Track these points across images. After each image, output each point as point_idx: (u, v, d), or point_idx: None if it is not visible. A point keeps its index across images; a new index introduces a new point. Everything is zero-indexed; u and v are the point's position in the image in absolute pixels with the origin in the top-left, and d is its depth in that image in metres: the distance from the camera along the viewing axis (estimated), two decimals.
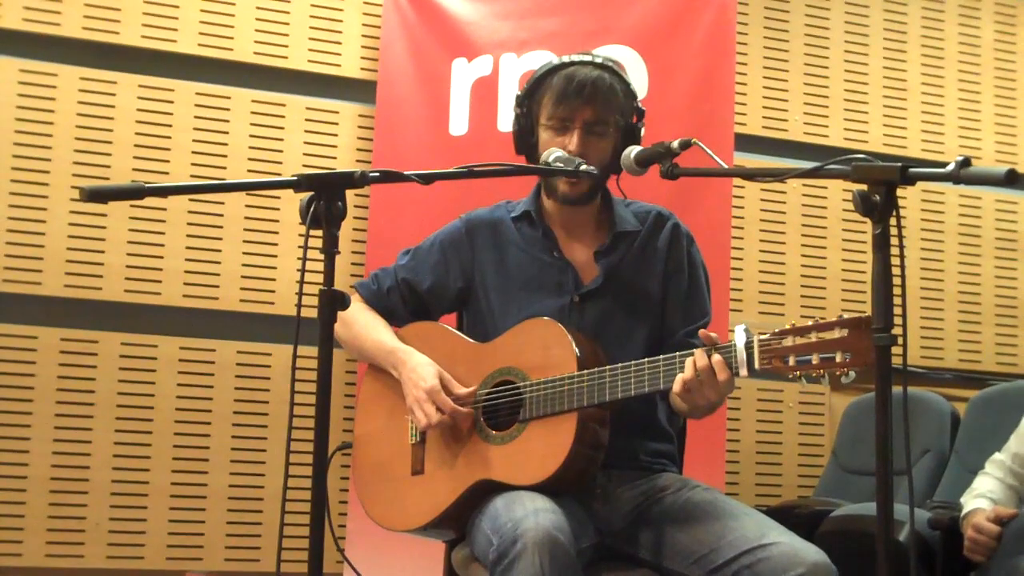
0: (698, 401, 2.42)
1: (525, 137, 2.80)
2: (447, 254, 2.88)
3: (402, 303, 2.90)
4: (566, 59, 2.78)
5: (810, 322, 2.26)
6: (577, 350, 2.57)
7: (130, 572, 4.39)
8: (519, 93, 2.83)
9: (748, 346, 2.33)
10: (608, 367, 2.51)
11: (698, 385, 2.39)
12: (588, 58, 2.78)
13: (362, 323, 2.85)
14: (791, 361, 2.26)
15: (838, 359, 2.21)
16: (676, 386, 2.40)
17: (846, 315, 2.21)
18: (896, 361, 1.94)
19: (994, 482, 3.52)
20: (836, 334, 2.21)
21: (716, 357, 2.36)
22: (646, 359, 2.47)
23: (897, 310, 1.93)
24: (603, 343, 2.65)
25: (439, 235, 2.93)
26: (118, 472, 4.39)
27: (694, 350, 2.40)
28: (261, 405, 4.56)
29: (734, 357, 2.34)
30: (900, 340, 1.93)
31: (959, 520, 3.44)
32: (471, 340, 2.78)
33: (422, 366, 2.70)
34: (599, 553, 2.61)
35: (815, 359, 2.23)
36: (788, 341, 2.27)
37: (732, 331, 2.37)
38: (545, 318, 2.65)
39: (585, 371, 2.53)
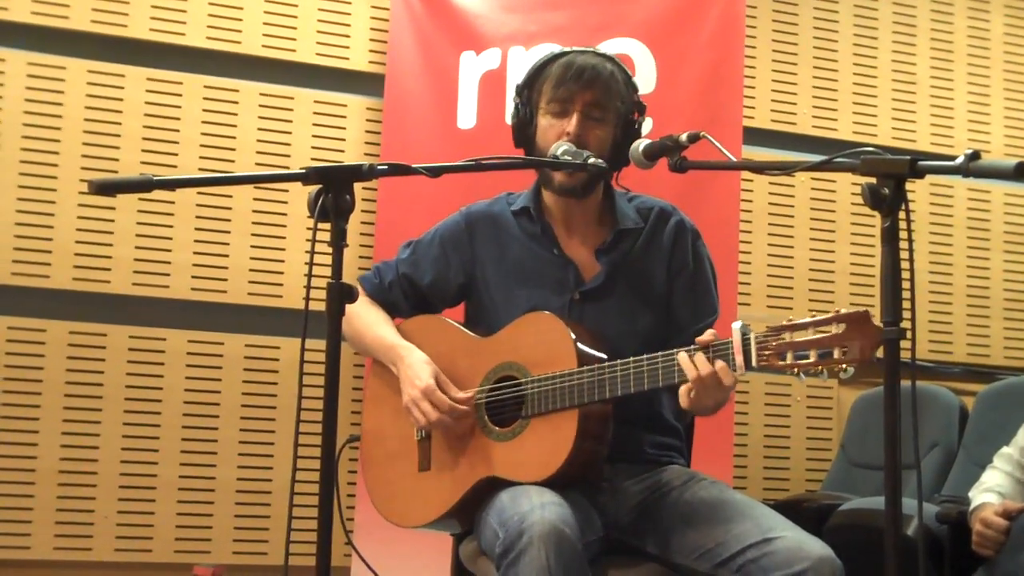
0: (706, 403, 2.41)
1: (523, 127, 2.80)
2: (447, 249, 2.87)
3: (404, 297, 2.90)
4: (566, 49, 2.80)
5: (807, 318, 2.25)
6: (577, 345, 2.56)
7: (138, 565, 4.40)
8: (518, 83, 2.83)
9: (745, 344, 2.31)
10: (608, 364, 2.50)
11: (702, 391, 2.38)
12: (589, 49, 2.79)
13: (363, 318, 2.84)
14: (788, 358, 2.24)
15: (835, 355, 2.18)
16: (683, 398, 2.41)
17: (843, 310, 2.20)
18: (904, 355, 1.93)
19: (1002, 476, 3.52)
20: (833, 330, 2.19)
21: (719, 363, 2.35)
22: (645, 356, 2.45)
23: (906, 304, 1.93)
24: (604, 341, 2.63)
25: (439, 229, 2.92)
26: (126, 465, 4.40)
27: (692, 354, 2.38)
28: (269, 398, 4.57)
29: (731, 356, 2.33)
30: (908, 334, 1.93)
31: (967, 514, 3.44)
32: (472, 334, 2.77)
33: (418, 364, 2.69)
34: (605, 546, 2.61)
35: (812, 355, 2.21)
36: (785, 337, 2.25)
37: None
38: (545, 312, 2.64)
39: (585, 368, 2.52)
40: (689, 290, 2.79)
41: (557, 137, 2.69)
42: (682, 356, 2.39)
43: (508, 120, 2.87)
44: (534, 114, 2.77)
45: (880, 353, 1.99)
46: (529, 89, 2.79)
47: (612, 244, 2.77)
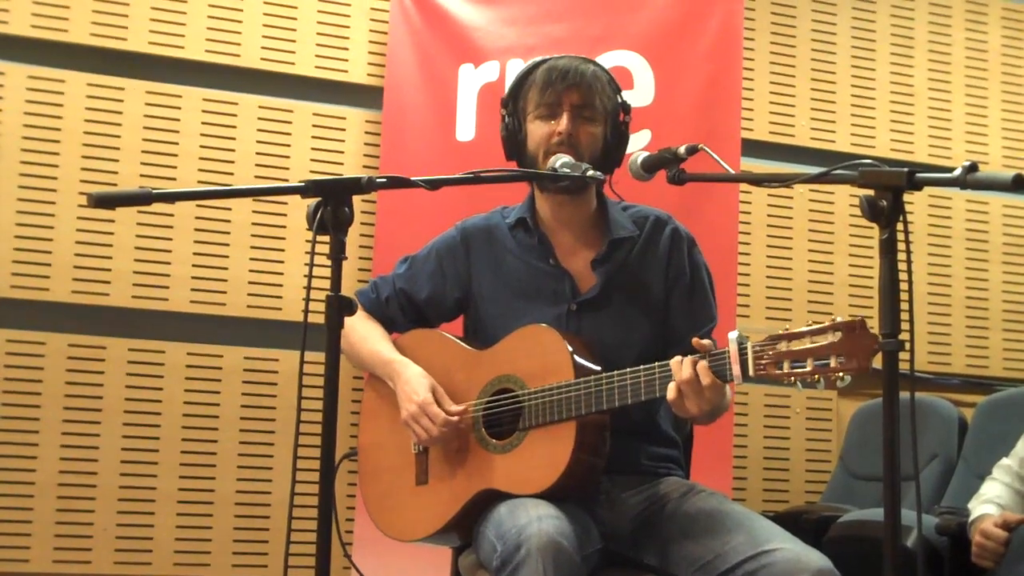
0: (691, 410, 2.40)
1: (512, 137, 2.81)
2: (443, 264, 2.88)
3: (401, 312, 2.90)
4: (546, 57, 2.82)
5: (804, 327, 2.25)
6: (573, 356, 2.56)
7: None
8: (503, 96, 2.85)
9: (742, 353, 2.31)
10: (604, 374, 2.50)
11: (685, 396, 2.37)
12: (568, 55, 2.81)
13: (360, 333, 2.84)
14: (785, 367, 2.24)
15: (832, 364, 2.18)
16: (669, 395, 2.39)
17: (840, 319, 2.20)
18: (903, 366, 1.93)
19: (1002, 487, 3.52)
20: (830, 338, 2.19)
21: (702, 364, 2.35)
22: (642, 367, 2.45)
23: (904, 315, 1.93)
24: (601, 352, 2.63)
25: (435, 244, 2.93)
26: (125, 478, 4.39)
27: (677, 358, 2.39)
28: (268, 411, 4.56)
29: (727, 366, 2.33)
30: (907, 345, 1.93)
31: (967, 526, 3.43)
32: (469, 347, 2.77)
33: (415, 379, 2.70)
34: (604, 559, 2.60)
35: (809, 364, 2.21)
36: (782, 347, 2.25)
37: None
38: (542, 324, 2.64)
39: (582, 379, 2.52)
40: (687, 299, 2.79)
41: (548, 139, 2.70)
42: (674, 360, 2.39)
43: None
44: (522, 123, 2.79)
45: (877, 363, 1.99)
46: (515, 100, 2.81)
47: (607, 254, 2.77)
